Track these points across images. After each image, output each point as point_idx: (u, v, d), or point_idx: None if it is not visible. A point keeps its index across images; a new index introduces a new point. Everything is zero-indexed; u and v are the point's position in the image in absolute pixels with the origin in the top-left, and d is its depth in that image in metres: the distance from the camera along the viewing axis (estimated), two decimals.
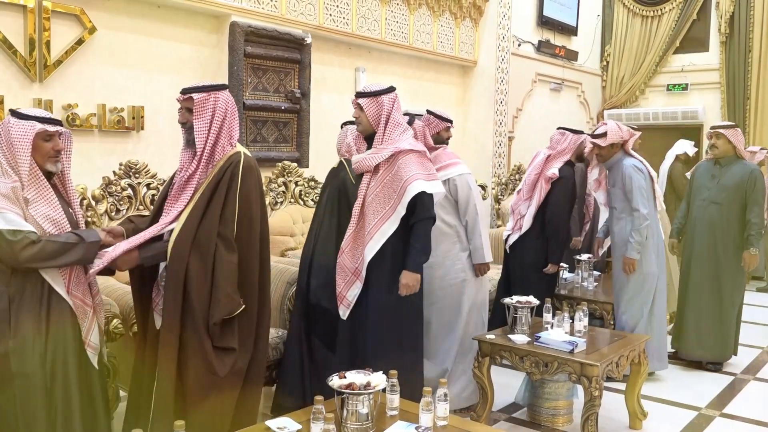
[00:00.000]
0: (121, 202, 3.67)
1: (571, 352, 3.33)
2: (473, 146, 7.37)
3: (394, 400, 2.56)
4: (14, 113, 2.55)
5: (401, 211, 3.18)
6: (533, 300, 3.76)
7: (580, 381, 3.28)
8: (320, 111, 5.72)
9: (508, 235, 4.59)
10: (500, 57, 7.37)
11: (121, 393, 3.12)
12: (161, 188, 3.33)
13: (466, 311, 3.91)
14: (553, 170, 4.42)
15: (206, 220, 2.67)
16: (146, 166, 3.89)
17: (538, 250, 4.46)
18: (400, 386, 2.59)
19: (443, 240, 3.85)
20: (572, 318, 3.71)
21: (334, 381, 2.48)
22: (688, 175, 5.29)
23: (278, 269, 3.80)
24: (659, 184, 5.62)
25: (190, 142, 2.76)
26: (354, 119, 3.40)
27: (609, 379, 3.82)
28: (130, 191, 3.74)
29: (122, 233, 2.76)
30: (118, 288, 3.33)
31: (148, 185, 3.88)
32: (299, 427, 2.40)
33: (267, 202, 4.42)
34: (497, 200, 6.62)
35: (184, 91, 2.77)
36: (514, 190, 6.34)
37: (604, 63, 9.55)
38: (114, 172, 3.73)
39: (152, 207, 3.34)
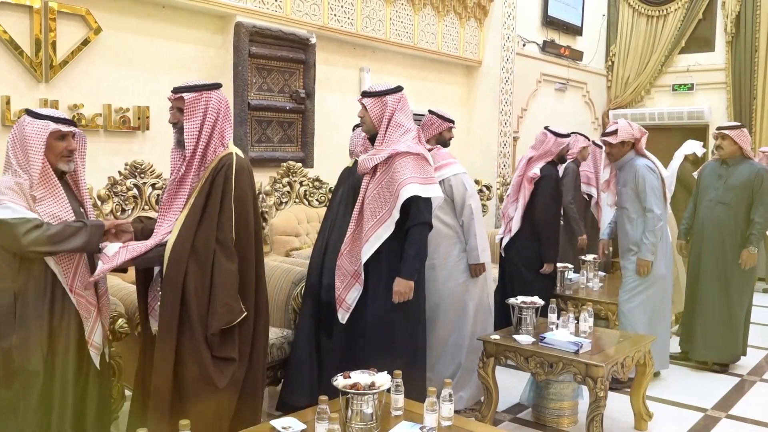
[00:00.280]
0: (127, 202, 3.68)
1: (576, 352, 3.32)
2: (478, 146, 7.36)
3: (399, 400, 2.56)
4: (30, 113, 2.59)
5: (396, 215, 3.13)
6: (538, 300, 3.75)
7: (585, 382, 3.27)
8: (325, 111, 5.72)
9: (501, 238, 4.63)
10: (505, 57, 7.36)
11: (127, 392, 3.13)
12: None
13: (472, 311, 3.90)
14: (535, 170, 4.50)
15: (203, 226, 2.61)
16: (151, 166, 3.90)
17: (530, 250, 4.47)
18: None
19: (443, 241, 3.84)
20: (577, 318, 3.70)
21: (339, 381, 2.47)
22: (695, 174, 5.28)
23: (283, 269, 3.80)
24: (668, 185, 5.58)
25: (180, 143, 2.71)
26: (359, 118, 3.39)
27: (615, 380, 3.81)
28: (135, 191, 3.75)
29: (130, 230, 2.75)
30: (123, 288, 3.34)
31: (153, 185, 3.89)
32: (304, 426, 2.40)
33: (272, 202, 4.44)
34: (502, 200, 6.61)
35: (176, 90, 2.70)
36: None
37: (609, 63, 9.54)
38: (119, 172, 3.74)
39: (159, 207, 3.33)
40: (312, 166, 5.41)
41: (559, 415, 3.75)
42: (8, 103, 3.87)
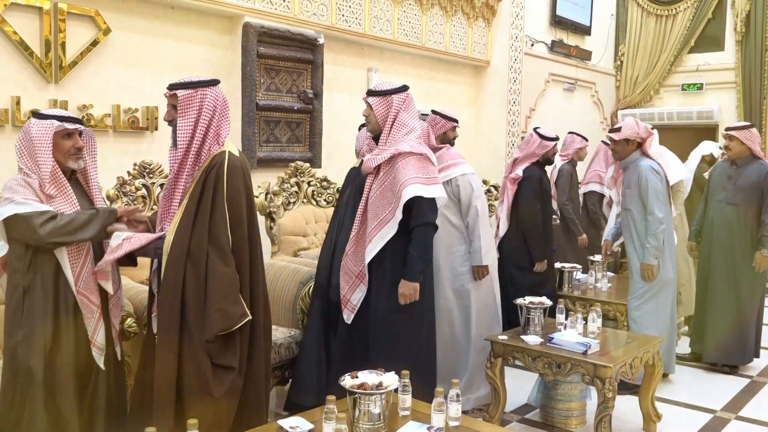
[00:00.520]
0: (136, 202, 3.69)
1: (585, 353, 3.31)
2: (486, 146, 7.35)
3: (406, 400, 2.56)
4: (35, 114, 2.60)
5: (399, 215, 3.12)
6: (546, 301, 3.74)
7: (594, 382, 3.26)
8: (333, 111, 5.73)
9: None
10: (513, 57, 7.34)
11: None
12: None
13: (477, 312, 3.89)
14: (517, 171, 4.56)
15: (197, 228, 2.55)
16: (160, 166, 3.91)
17: (517, 250, 4.47)
18: None
19: (450, 241, 3.83)
20: (585, 319, 3.69)
21: (346, 381, 2.48)
22: (706, 175, 5.24)
23: (291, 269, 3.81)
24: (686, 186, 5.52)
25: (175, 141, 2.65)
26: (365, 117, 3.38)
27: (628, 385, 3.81)
28: (144, 191, 3.76)
29: (144, 220, 2.76)
30: (132, 287, 3.35)
31: (161, 185, 3.90)
32: (311, 426, 2.40)
33: (280, 203, 4.44)
34: None
35: (170, 87, 2.64)
36: None
37: (618, 63, 9.49)
38: (128, 172, 3.75)
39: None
40: (320, 166, 5.42)
41: (567, 416, 3.74)
42: (18, 103, 3.89)
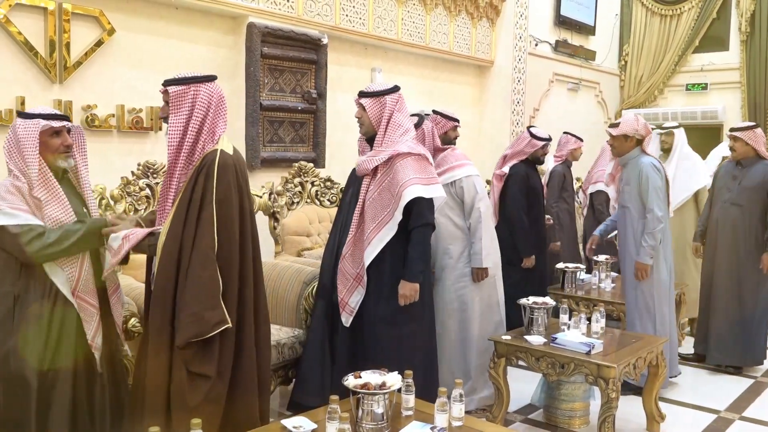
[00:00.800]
0: (140, 202, 3.70)
1: (588, 353, 3.31)
2: (489, 147, 7.34)
3: (410, 400, 2.56)
4: (20, 114, 2.55)
5: (398, 216, 3.11)
6: (549, 301, 3.74)
7: (597, 383, 3.26)
8: (336, 111, 5.73)
9: None
10: (517, 57, 7.34)
11: None
12: None
13: (480, 312, 3.89)
14: (504, 168, 4.65)
15: (187, 229, 2.46)
16: (164, 166, 3.91)
17: (506, 245, 4.43)
18: None
19: (454, 242, 3.83)
20: (589, 319, 3.69)
21: (350, 381, 2.48)
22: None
23: (294, 269, 3.81)
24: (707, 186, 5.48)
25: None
26: (357, 119, 3.36)
27: (626, 384, 3.79)
28: (148, 191, 3.77)
29: (139, 223, 2.70)
30: (136, 287, 3.36)
31: None
32: (315, 426, 2.41)
33: (283, 203, 4.45)
34: None
35: (164, 83, 2.59)
36: None
37: (623, 62, 9.48)
38: (132, 173, 3.76)
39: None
40: (323, 166, 5.42)
41: (570, 416, 3.74)
42: (23, 104, 3.90)
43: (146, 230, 2.60)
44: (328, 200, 4.75)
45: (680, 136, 5.47)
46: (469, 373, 3.85)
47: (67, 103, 4.09)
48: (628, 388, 4.01)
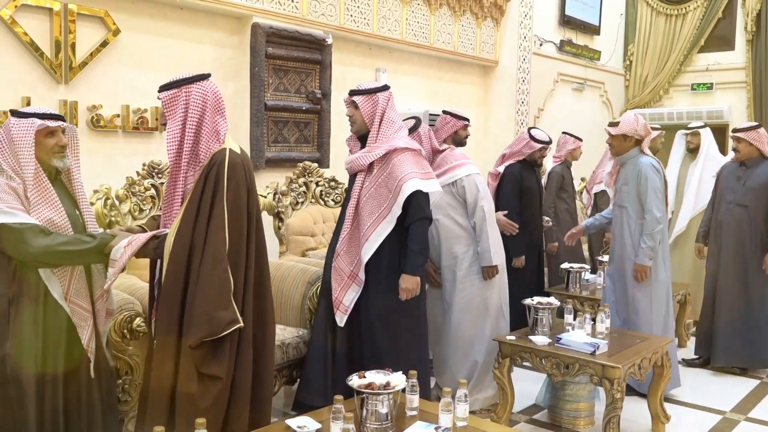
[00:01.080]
0: (144, 202, 3.71)
1: (593, 353, 3.30)
2: (494, 147, 7.32)
3: (414, 400, 2.56)
4: (14, 113, 2.49)
5: (397, 210, 3.14)
6: (554, 301, 3.73)
7: (602, 383, 3.25)
8: (341, 111, 5.69)
9: None
10: (522, 57, 7.33)
11: None
12: None
13: (486, 312, 3.88)
14: (499, 168, 4.67)
15: (198, 229, 2.45)
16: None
17: None
18: None
19: (458, 242, 3.83)
20: (594, 319, 3.68)
21: (354, 380, 2.48)
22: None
23: (299, 269, 3.82)
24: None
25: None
26: (348, 117, 3.37)
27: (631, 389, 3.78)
28: (153, 191, 3.77)
29: (142, 228, 2.70)
30: (141, 287, 3.36)
31: None
32: (319, 426, 2.40)
33: (288, 203, 4.45)
34: None
35: (158, 89, 2.56)
36: None
37: (628, 62, 9.46)
38: (137, 173, 3.77)
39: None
40: (328, 166, 5.43)
41: (575, 417, 3.73)
42: (29, 104, 3.91)
43: (147, 234, 2.56)
44: (333, 200, 4.75)
45: (706, 137, 5.45)
46: (473, 373, 3.85)
47: (72, 104, 4.10)
48: (632, 390, 4.01)
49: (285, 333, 3.51)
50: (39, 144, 2.46)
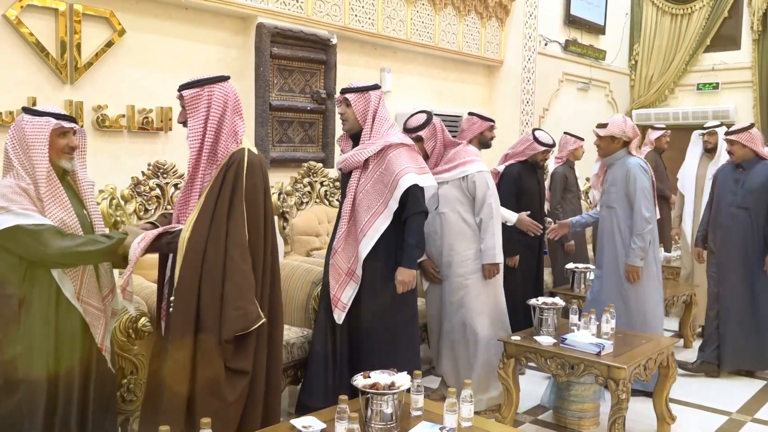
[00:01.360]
0: (150, 202, 3.71)
1: (598, 354, 3.29)
2: (498, 146, 7.25)
3: (419, 400, 2.55)
4: (28, 111, 2.49)
5: (393, 205, 3.17)
6: (559, 301, 3.72)
7: (607, 384, 3.24)
8: None
9: None
10: (527, 57, 7.32)
11: None
12: None
13: (487, 311, 3.87)
14: (499, 168, 4.68)
15: (214, 226, 2.48)
16: (174, 166, 3.93)
17: None
18: None
19: (461, 238, 3.81)
20: (599, 320, 3.67)
21: (359, 381, 2.48)
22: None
23: (304, 269, 3.82)
24: None
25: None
26: (340, 115, 3.39)
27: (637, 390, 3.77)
28: (158, 191, 3.78)
29: (154, 224, 2.73)
30: (147, 286, 3.37)
31: (176, 185, 3.92)
32: (324, 426, 2.41)
33: (293, 203, 4.46)
34: None
35: (179, 89, 2.60)
36: None
37: (633, 62, 9.43)
38: (142, 173, 3.77)
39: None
40: (332, 166, 5.42)
41: (580, 417, 3.72)
42: (34, 104, 3.92)
43: (158, 230, 2.59)
44: (337, 200, 4.75)
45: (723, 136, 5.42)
46: (475, 372, 3.84)
47: (77, 104, 4.11)
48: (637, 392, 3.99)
49: (290, 333, 3.51)
50: (50, 144, 2.47)
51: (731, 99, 8.91)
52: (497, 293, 3.93)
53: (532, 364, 3.54)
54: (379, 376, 2.51)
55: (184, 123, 2.63)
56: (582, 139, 5.69)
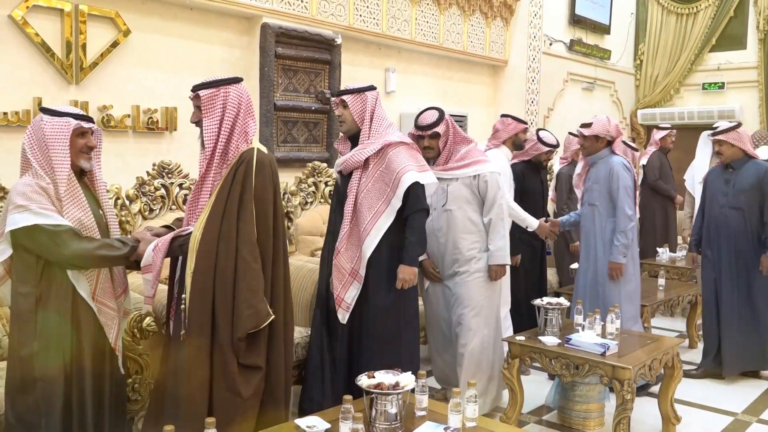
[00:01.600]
0: (155, 202, 3.73)
1: (603, 354, 3.29)
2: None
3: (423, 400, 2.55)
4: (46, 111, 2.50)
5: (396, 203, 3.18)
6: (564, 302, 3.71)
7: (612, 384, 3.23)
8: None
9: None
10: (531, 56, 7.31)
11: None
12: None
13: (488, 311, 3.86)
14: None
15: (224, 225, 2.52)
16: (179, 166, 3.95)
17: None
18: None
19: (465, 237, 3.78)
20: (604, 320, 3.66)
21: (363, 381, 2.48)
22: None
23: (308, 269, 3.82)
24: None
25: (203, 142, 2.62)
26: (337, 117, 3.40)
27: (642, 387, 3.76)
28: (163, 191, 3.80)
29: (169, 227, 2.75)
30: None
31: (180, 185, 3.94)
32: (328, 426, 2.41)
33: (297, 202, 4.46)
34: None
35: (194, 88, 2.64)
36: None
37: (638, 62, 9.41)
38: (147, 173, 3.79)
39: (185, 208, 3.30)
40: None
41: (585, 418, 3.72)
42: (40, 104, 3.94)
43: (170, 235, 2.62)
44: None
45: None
46: (479, 373, 3.83)
47: (83, 104, 4.12)
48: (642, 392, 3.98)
49: (294, 332, 3.50)
50: (70, 143, 2.49)
51: (737, 99, 8.88)
52: (499, 293, 3.92)
53: (536, 364, 3.53)
54: (384, 376, 2.50)
55: (197, 123, 2.65)
56: None
